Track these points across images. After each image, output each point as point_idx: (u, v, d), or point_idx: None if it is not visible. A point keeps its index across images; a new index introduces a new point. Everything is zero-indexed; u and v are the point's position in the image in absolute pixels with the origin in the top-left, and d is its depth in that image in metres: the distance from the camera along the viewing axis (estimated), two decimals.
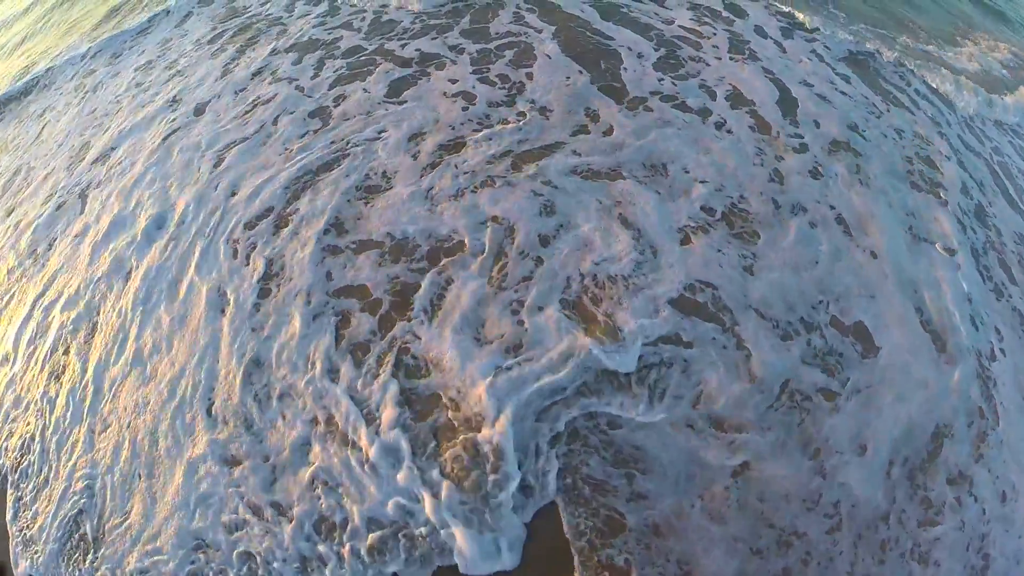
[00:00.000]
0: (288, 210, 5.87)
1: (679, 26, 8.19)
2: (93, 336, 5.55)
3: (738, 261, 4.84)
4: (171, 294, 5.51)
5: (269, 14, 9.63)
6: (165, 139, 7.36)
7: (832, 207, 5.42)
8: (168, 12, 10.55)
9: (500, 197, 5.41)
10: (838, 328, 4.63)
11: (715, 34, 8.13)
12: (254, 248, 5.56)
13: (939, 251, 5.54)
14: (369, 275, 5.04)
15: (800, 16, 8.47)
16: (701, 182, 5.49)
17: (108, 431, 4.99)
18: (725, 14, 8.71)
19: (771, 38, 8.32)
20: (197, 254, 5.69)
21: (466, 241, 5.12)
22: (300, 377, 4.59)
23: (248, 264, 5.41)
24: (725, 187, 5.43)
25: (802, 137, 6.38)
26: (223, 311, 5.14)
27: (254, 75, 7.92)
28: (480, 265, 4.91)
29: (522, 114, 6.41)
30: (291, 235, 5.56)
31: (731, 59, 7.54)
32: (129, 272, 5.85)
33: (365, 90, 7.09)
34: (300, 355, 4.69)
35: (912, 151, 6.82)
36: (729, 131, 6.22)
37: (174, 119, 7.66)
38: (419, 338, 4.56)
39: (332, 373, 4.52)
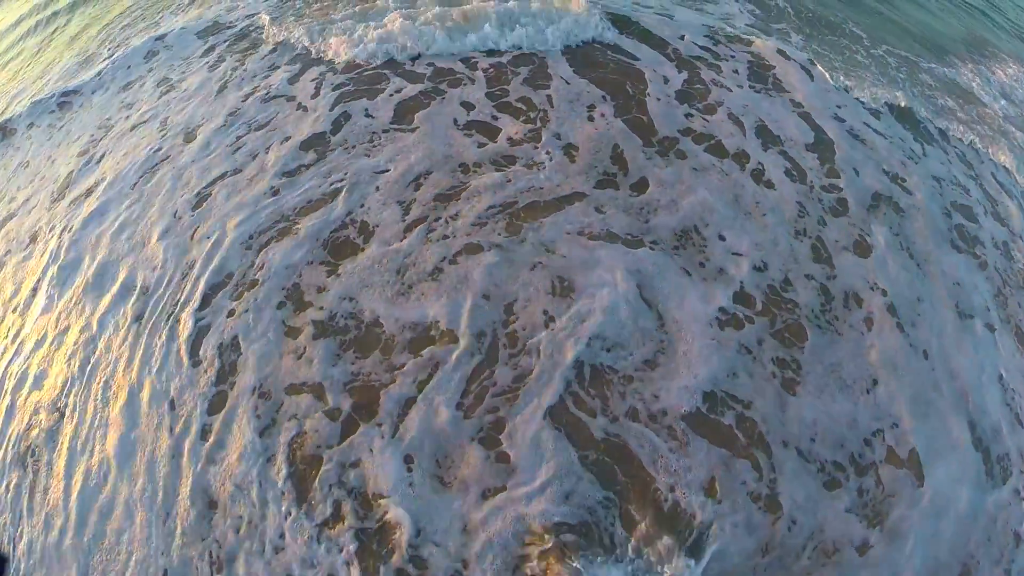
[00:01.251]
0: (250, 275, 4.91)
1: (693, 43, 7.26)
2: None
3: (778, 372, 4.11)
4: (128, 397, 4.48)
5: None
6: (149, 170, 6.27)
7: (883, 292, 4.72)
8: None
9: (489, 271, 4.56)
10: (893, 462, 3.93)
11: (732, 56, 7.19)
12: (208, 331, 4.61)
13: (981, 330, 5.06)
14: (324, 371, 4.24)
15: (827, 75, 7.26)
16: (737, 254, 4.85)
17: None
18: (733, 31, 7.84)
19: (794, 60, 7.53)
20: (153, 344, 4.64)
21: (441, 326, 4.32)
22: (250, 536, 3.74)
23: (200, 363, 4.43)
24: (767, 265, 4.69)
25: (841, 190, 5.73)
26: (172, 428, 4.19)
27: (249, 95, 6.81)
28: (455, 363, 4.11)
29: (537, 154, 5.66)
30: (248, 310, 4.64)
31: (752, 88, 6.75)
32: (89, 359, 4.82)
33: (369, 114, 6.24)
34: (246, 495, 3.83)
35: (950, 199, 6.23)
36: (768, 183, 5.51)
37: (160, 148, 6.66)
38: (378, 466, 3.78)
39: (280, 531, 3.67)
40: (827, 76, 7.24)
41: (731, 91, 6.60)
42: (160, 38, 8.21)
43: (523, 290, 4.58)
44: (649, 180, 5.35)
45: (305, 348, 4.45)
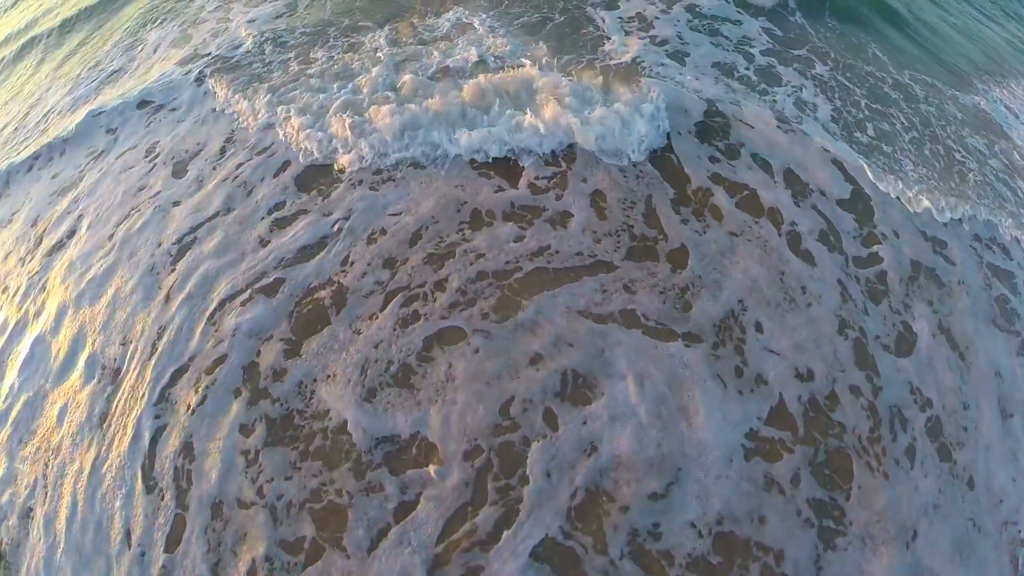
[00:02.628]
0: (212, 352, 4.31)
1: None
2: None
3: (815, 520, 3.49)
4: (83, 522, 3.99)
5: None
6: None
7: (928, 403, 4.11)
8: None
9: (474, 368, 3.88)
10: None
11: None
12: (165, 436, 4.06)
13: (1021, 431, 4.66)
14: (278, 487, 3.64)
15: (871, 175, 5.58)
16: (776, 353, 4.25)
17: None
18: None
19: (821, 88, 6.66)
20: (111, 459, 4.07)
21: (415, 442, 3.67)
22: None
23: (155, 488, 3.90)
24: (810, 372, 3.99)
25: (881, 260, 5.10)
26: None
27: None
28: (433, 499, 3.51)
29: (560, 204, 4.85)
30: (206, 399, 4.11)
31: (780, 128, 5.93)
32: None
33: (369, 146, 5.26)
34: None
35: (989, 263, 5.65)
36: (807, 254, 4.83)
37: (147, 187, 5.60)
38: None
39: None
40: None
41: (752, 127, 5.81)
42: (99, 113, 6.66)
43: (522, 388, 3.95)
44: (689, 250, 4.62)
45: (259, 457, 3.81)
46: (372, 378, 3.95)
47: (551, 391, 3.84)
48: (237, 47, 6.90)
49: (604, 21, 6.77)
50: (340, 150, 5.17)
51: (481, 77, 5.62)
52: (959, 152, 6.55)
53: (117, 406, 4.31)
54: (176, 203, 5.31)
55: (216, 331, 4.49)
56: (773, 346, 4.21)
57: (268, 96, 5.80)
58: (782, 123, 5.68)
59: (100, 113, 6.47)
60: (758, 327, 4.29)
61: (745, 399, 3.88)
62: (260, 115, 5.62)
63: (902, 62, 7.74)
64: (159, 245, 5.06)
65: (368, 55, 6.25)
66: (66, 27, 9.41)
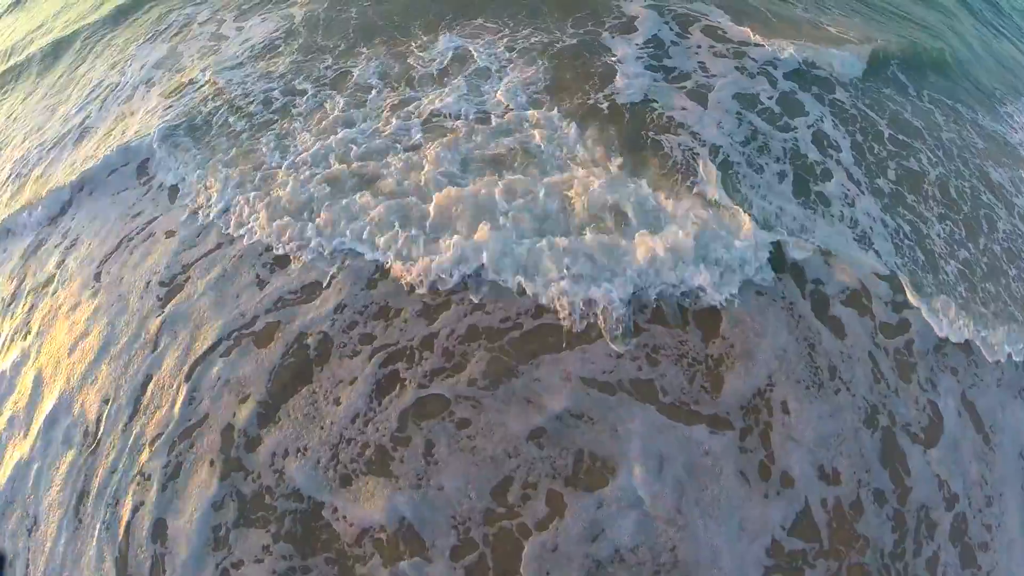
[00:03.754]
0: (190, 414, 4.02)
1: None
2: None
3: None
4: None
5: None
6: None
7: (955, 499, 3.81)
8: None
9: (461, 450, 3.51)
10: None
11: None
12: (141, 515, 3.78)
13: None
14: None
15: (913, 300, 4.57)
16: (800, 444, 3.90)
17: None
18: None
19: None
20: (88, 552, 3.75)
21: (391, 533, 3.32)
22: None
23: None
24: (836, 473, 3.61)
25: (909, 327, 4.73)
26: None
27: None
28: None
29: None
30: (179, 474, 3.81)
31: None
32: None
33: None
34: None
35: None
36: (836, 322, 4.45)
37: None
38: None
39: None
40: None
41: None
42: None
43: (520, 470, 3.60)
44: (721, 314, 4.19)
45: (229, 538, 3.46)
46: (345, 460, 3.54)
47: (546, 475, 3.46)
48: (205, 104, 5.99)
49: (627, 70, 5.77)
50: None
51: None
52: None
53: (95, 483, 4.01)
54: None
55: (195, 389, 4.13)
56: (798, 435, 3.86)
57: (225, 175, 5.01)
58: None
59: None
60: (784, 408, 3.93)
61: (769, 503, 3.55)
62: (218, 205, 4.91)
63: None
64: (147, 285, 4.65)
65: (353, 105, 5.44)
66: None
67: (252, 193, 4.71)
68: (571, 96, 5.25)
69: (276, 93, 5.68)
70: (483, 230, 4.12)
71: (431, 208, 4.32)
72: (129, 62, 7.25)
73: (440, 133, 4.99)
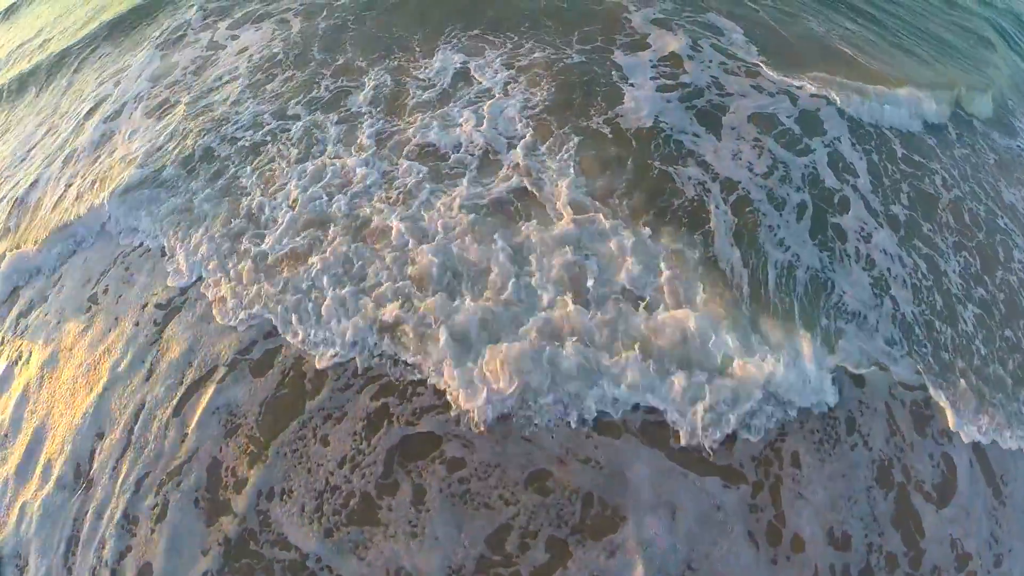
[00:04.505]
0: (177, 447, 3.91)
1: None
2: None
3: None
4: None
5: None
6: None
7: (966, 558, 3.65)
8: None
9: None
10: None
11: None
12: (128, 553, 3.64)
13: None
14: None
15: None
16: (809, 502, 3.75)
17: None
18: None
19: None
20: None
21: None
22: None
23: None
24: (846, 536, 3.47)
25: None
26: None
27: None
28: None
29: None
30: (167, 515, 3.69)
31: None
32: None
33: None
34: None
35: None
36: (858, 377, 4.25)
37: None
38: None
39: None
40: None
41: None
42: None
43: (520, 517, 3.45)
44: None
45: None
46: (330, 507, 3.39)
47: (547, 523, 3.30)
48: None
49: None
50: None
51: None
52: None
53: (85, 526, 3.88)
54: None
55: (185, 422, 4.03)
56: (807, 493, 3.71)
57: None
58: None
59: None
60: (795, 461, 3.78)
61: (778, 570, 3.41)
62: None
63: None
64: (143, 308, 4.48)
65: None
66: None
67: (229, 266, 4.41)
68: (578, 127, 4.97)
69: (265, 128, 5.37)
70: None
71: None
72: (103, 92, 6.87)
73: (436, 173, 4.73)
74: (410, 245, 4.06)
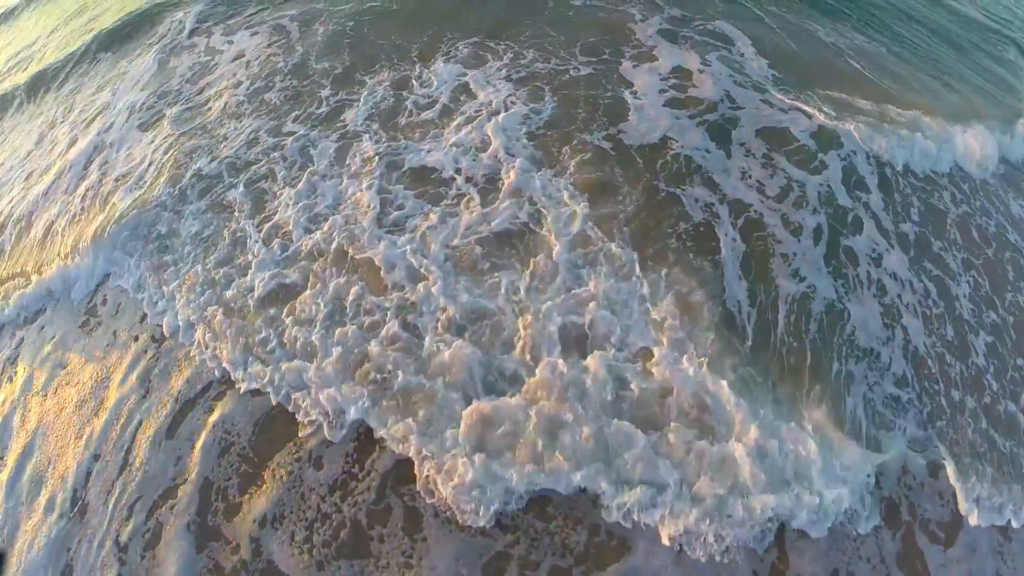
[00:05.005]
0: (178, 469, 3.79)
1: None
2: None
3: None
4: None
5: None
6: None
7: None
8: None
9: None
10: None
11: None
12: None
13: None
14: None
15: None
16: (806, 543, 3.63)
17: None
18: None
19: None
20: None
21: None
22: None
23: None
24: None
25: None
26: None
27: None
28: None
29: None
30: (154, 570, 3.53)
31: None
32: None
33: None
34: None
35: None
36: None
37: None
38: None
39: None
40: None
41: None
42: None
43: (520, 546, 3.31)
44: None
45: None
46: (319, 538, 3.30)
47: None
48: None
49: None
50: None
51: None
52: None
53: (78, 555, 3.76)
54: None
55: (178, 447, 3.93)
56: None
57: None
58: None
59: None
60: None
61: None
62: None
63: None
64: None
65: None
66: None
67: (215, 320, 4.16)
68: (582, 146, 4.80)
69: (260, 146, 5.18)
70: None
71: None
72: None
73: (435, 197, 4.55)
74: (407, 290, 3.86)
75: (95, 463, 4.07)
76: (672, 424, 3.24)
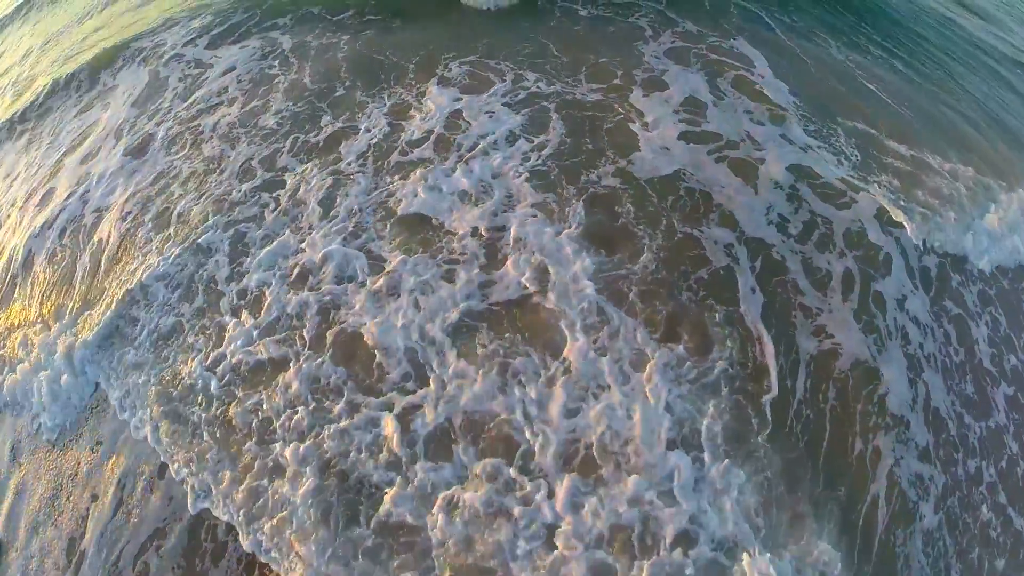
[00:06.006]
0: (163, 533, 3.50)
1: None
2: None
3: None
4: None
5: None
6: None
7: None
8: None
9: None
10: None
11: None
12: None
13: None
14: None
15: None
16: None
17: None
18: None
19: None
20: None
21: None
22: None
23: None
24: None
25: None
26: None
27: None
28: None
29: None
30: None
31: None
32: None
33: None
34: None
35: None
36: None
37: None
38: None
39: None
40: None
41: None
42: None
43: None
44: None
45: None
46: None
47: None
48: None
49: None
50: None
51: None
52: None
53: None
54: None
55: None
56: None
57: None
58: None
59: None
60: None
61: None
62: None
63: None
64: None
65: None
66: None
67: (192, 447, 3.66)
68: (589, 185, 4.42)
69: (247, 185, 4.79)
70: None
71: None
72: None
73: (429, 246, 4.17)
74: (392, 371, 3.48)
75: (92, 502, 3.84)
76: None
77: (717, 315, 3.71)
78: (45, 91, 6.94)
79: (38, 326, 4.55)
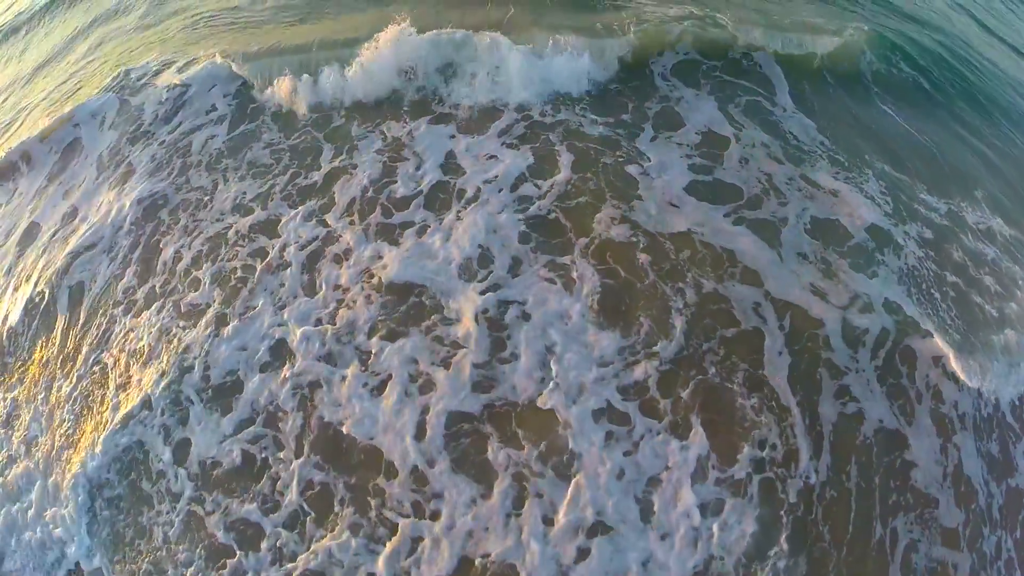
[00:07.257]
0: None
1: None
2: None
3: None
4: None
5: None
6: None
7: None
8: None
9: None
10: None
11: None
12: None
13: None
14: None
15: None
16: None
17: None
18: None
19: None
20: None
21: None
22: None
23: None
24: None
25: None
26: None
27: None
28: None
29: None
30: None
31: None
32: None
33: None
34: None
35: None
36: None
37: None
38: None
39: None
40: None
41: None
42: None
43: None
44: None
45: None
46: None
47: None
48: None
49: None
50: None
51: None
52: None
53: None
54: None
55: None
56: None
57: None
58: None
59: None
60: None
61: None
62: None
63: None
64: None
65: None
66: None
67: None
68: (600, 247, 3.99)
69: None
70: None
71: None
72: None
73: (419, 320, 3.74)
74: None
75: None
76: None
77: (746, 398, 3.33)
78: None
79: None
